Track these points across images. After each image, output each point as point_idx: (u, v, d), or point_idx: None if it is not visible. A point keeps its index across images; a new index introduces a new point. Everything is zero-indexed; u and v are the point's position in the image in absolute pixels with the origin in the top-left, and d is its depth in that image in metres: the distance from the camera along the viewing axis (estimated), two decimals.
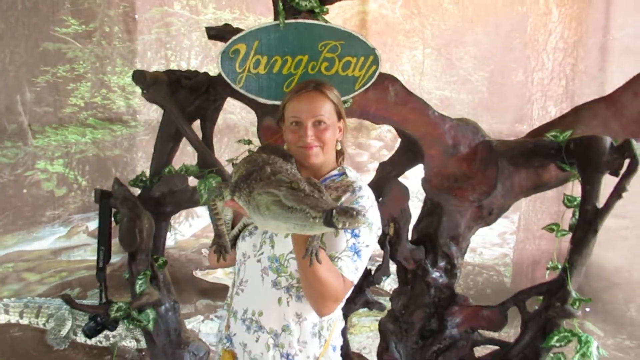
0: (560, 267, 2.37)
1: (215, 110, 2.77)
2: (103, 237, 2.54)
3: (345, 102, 2.52)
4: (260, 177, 1.45)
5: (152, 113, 3.59)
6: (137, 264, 2.34)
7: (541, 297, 2.43)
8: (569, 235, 2.37)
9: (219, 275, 3.66)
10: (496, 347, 2.61)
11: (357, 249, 1.63)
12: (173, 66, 3.57)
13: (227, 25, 2.60)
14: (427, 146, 2.69)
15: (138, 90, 3.69)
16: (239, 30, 2.49)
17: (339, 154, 1.88)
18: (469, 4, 3.33)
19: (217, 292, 3.70)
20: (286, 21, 2.37)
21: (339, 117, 1.81)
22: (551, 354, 2.37)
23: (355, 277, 1.64)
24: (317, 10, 2.40)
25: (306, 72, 2.45)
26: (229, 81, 2.44)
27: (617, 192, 2.12)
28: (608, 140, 2.14)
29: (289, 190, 1.32)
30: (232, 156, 2.56)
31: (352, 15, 3.28)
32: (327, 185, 1.76)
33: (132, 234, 2.28)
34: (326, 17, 2.44)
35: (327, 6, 2.44)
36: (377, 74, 2.49)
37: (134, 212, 2.32)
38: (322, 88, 1.79)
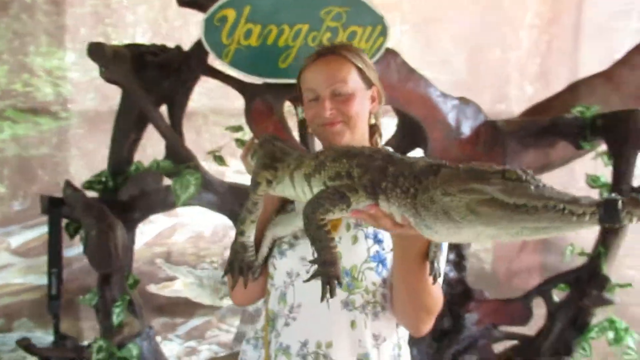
0: (586, 252, 2.23)
1: (186, 93, 2.33)
2: (55, 257, 2.04)
3: None
4: (413, 172, 1.08)
5: (89, 102, 2.99)
6: (111, 288, 1.85)
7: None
8: None
9: (178, 288, 3.16)
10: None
11: (442, 246, 1.33)
12: None
13: None
14: (430, 129, 2.46)
15: (69, 74, 3.09)
16: None
17: (372, 130, 1.51)
18: None
19: (176, 307, 3.20)
20: None
21: (369, 84, 1.45)
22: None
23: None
24: None
25: (306, 45, 2.09)
26: (214, 55, 2.03)
27: None
28: None
29: (507, 183, 0.96)
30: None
31: None
32: None
33: (106, 250, 1.79)
34: None
35: None
36: (384, 46, 2.20)
37: (104, 223, 1.82)
38: (340, 50, 1.44)
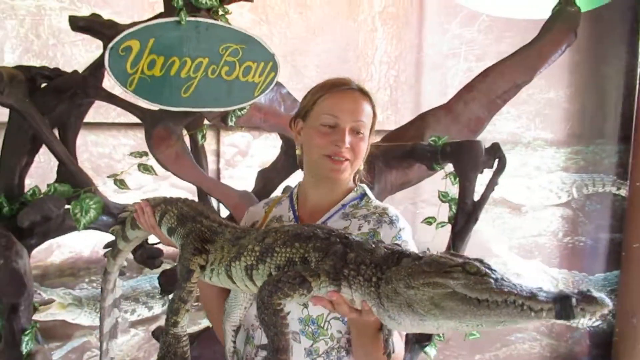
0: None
1: (80, 117, 2.34)
2: None
3: (242, 109, 2.42)
4: (374, 260, 1.09)
5: None
6: (20, 318, 1.80)
7: None
8: None
9: (54, 311, 2.99)
10: None
11: None
12: None
13: (96, 16, 2.22)
14: None
15: None
16: (114, 24, 2.15)
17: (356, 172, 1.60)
18: (312, 15, 3.49)
19: (52, 331, 3.00)
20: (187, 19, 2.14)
21: (372, 132, 1.57)
22: None
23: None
24: (218, 9, 2.23)
25: (206, 77, 2.26)
26: (118, 84, 2.09)
27: (491, 187, 2.54)
28: (483, 144, 2.53)
29: (468, 277, 0.99)
30: None
31: None
32: (351, 214, 1.50)
33: (18, 279, 1.75)
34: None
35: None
36: (275, 81, 2.44)
37: (11, 251, 1.79)
38: (368, 93, 1.52)
